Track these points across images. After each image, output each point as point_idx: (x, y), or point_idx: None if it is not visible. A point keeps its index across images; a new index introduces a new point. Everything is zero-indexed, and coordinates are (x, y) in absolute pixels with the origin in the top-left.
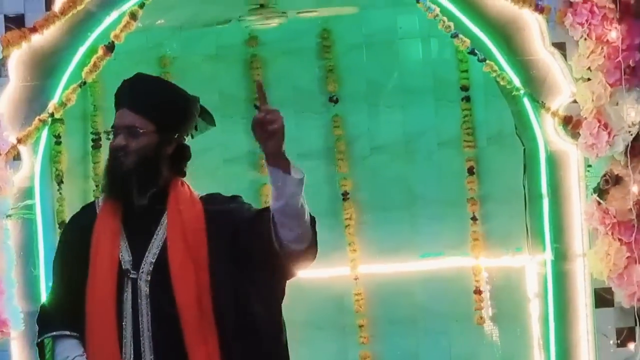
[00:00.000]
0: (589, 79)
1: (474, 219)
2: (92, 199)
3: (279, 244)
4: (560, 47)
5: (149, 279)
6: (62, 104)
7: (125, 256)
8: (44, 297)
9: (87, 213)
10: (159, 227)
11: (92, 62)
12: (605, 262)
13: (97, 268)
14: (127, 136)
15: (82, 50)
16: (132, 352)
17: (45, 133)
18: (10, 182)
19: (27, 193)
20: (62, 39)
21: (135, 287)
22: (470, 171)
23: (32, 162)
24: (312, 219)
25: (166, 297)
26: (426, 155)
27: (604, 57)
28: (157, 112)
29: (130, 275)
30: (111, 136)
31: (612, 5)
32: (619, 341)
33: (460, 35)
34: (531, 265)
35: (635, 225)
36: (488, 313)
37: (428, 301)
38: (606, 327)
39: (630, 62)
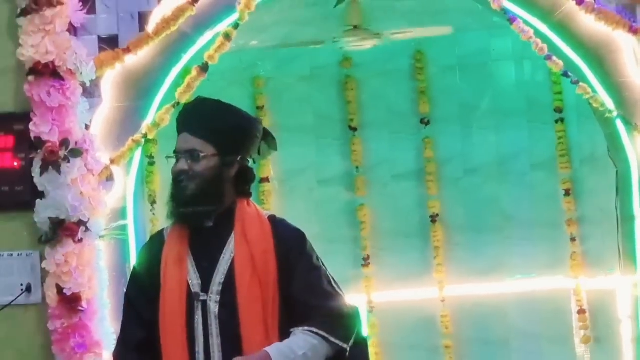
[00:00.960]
0: None
1: (573, 239)
2: None
3: None
4: None
5: (218, 299)
6: (156, 125)
7: (194, 279)
8: None
9: (155, 242)
10: (225, 248)
11: (185, 83)
12: None
13: (167, 294)
14: (188, 160)
15: (175, 70)
16: None
17: (138, 153)
18: (103, 203)
19: (120, 214)
20: (156, 60)
21: (205, 309)
22: (567, 193)
23: (125, 183)
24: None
25: (234, 317)
26: (519, 177)
27: None
28: (217, 135)
29: (200, 298)
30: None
31: None
32: None
33: (554, 57)
34: (623, 287)
35: None
36: (580, 334)
37: (521, 322)
38: None
39: None
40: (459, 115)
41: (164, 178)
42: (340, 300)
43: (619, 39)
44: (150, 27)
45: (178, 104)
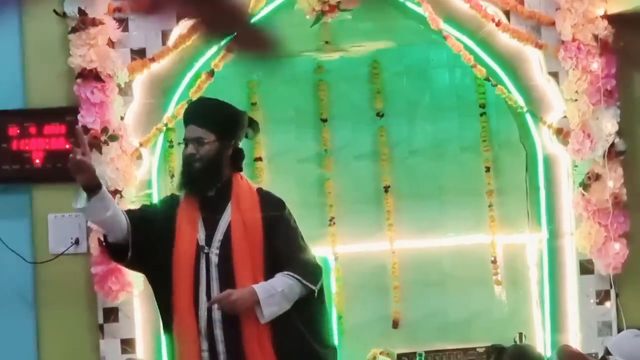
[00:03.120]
0: (576, 100)
1: (490, 206)
2: None
3: None
4: (555, 75)
5: (218, 252)
6: (174, 117)
7: (202, 236)
8: None
9: (172, 201)
10: (224, 213)
11: (197, 85)
12: (588, 240)
13: (180, 245)
14: (195, 146)
15: (189, 75)
16: (205, 309)
17: (161, 139)
18: (134, 176)
19: (147, 184)
20: (174, 67)
21: (207, 259)
22: (487, 169)
23: (150, 161)
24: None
25: (229, 267)
26: (452, 157)
27: (588, 83)
28: (216, 125)
29: (205, 251)
30: (182, 146)
31: (595, 43)
32: (598, 300)
33: (478, 66)
34: (531, 242)
35: (611, 212)
36: (499, 278)
37: (453, 269)
38: (588, 290)
39: (608, 87)
40: (406, 110)
41: (180, 157)
42: (311, 254)
43: (528, 51)
44: (171, 42)
45: (191, 100)
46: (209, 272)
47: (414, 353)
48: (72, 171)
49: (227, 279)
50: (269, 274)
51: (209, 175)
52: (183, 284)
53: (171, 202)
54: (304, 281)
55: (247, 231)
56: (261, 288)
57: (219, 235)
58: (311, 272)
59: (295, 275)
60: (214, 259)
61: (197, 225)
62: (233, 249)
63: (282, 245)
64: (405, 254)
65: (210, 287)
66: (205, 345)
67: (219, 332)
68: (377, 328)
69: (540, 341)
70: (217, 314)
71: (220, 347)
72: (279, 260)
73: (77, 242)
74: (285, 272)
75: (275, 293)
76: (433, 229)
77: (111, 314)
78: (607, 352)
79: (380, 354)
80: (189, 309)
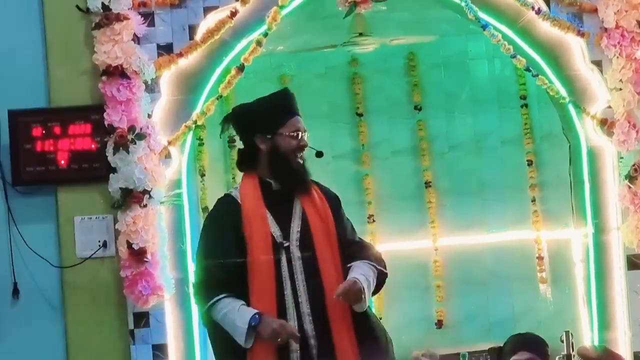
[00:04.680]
0: (620, 89)
1: (533, 200)
2: (227, 189)
3: None
4: (598, 64)
5: (298, 245)
6: (203, 113)
7: (276, 231)
8: (190, 267)
9: (227, 203)
10: (294, 205)
11: (226, 80)
12: (635, 234)
13: (255, 244)
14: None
15: (218, 70)
16: (293, 303)
17: (190, 137)
18: (162, 176)
19: (176, 184)
20: (203, 62)
21: (288, 253)
22: (530, 163)
23: (180, 160)
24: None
25: (313, 259)
26: (492, 151)
27: (633, 71)
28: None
29: (284, 245)
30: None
31: (639, 30)
32: None
33: (518, 56)
34: (576, 237)
35: None
36: (544, 275)
37: (495, 266)
38: (636, 286)
39: None
40: (444, 103)
41: (211, 156)
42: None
43: (570, 40)
44: (198, 36)
45: (221, 97)
46: (292, 266)
47: (457, 354)
48: (275, 335)
49: (312, 272)
50: (343, 265)
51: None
52: (264, 282)
53: (231, 208)
54: (379, 267)
55: (323, 223)
56: (361, 279)
57: (295, 227)
58: (381, 259)
59: (373, 263)
60: (296, 253)
61: (268, 221)
62: (314, 241)
63: (350, 236)
64: (447, 251)
65: (295, 281)
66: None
67: (309, 327)
68: (419, 328)
69: (588, 340)
70: (305, 308)
71: (312, 342)
72: (349, 250)
73: (104, 245)
74: (365, 260)
75: (370, 282)
76: (475, 225)
77: (142, 318)
78: None
79: (422, 355)
80: (271, 305)
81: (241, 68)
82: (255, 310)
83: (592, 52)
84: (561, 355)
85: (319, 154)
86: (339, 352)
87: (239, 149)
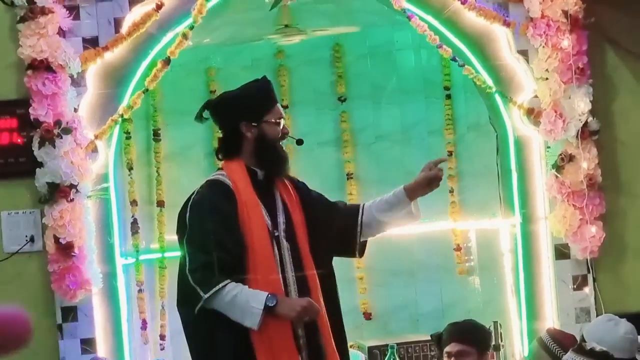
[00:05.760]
0: (547, 79)
1: (451, 191)
2: (155, 183)
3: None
4: (524, 53)
5: (285, 235)
6: (130, 107)
7: (267, 220)
8: (118, 261)
9: (221, 188)
10: (276, 195)
11: (152, 73)
12: (563, 224)
13: (255, 231)
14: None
15: (144, 64)
16: (282, 286)
17: (116, 130)
18: (89, 170)
19: (103, 178)
20: (128, 56)
21: (279, 243)
22: (450, 153)
23: (106, 154)
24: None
25: (295, 246)
26: (418, 141)
27: (559, 60)
28: None
29: (275, 234)
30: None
31: (564, 20)
32: (575, 286)
33: (444, 46)
34: (504, 227)
35: (586, 194)
36: (472, 266)
37: (422, 256)
38: (564, 275)
39: (580, 64)
40: (370, 94)
41: (138, 149)
42: None
43: (496, 30)
44: (124, 30)
45: (147, 90)
46: (282, 256)
47: (386, 345)
48: (302, 314)
49: (298, 264)
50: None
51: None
52: (267, 270)
53: (225, 192)
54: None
55: (300, 215)
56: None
57: (281, 218)
58: None
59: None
60: (285, 243)
61: (261, 209)
62: (297, 233)
63: (325, 199)
64: (373, 242)
65: (285, 272)
66: (302, 331)
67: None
68: (346, 320)
69: (517, 330)
70: (292, 287)
71: (301, 333)
72: (332, 207)
73: (32, 239)
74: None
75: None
76: None
77: (70, 313)
78: (584, 339)
79: (350, 347)
80: (278, 292)
81: (167, 61)
82: (266, 292)
83: (518, 42)
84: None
85: (299, 142)
86: (326, 347)
87: (220, 138)
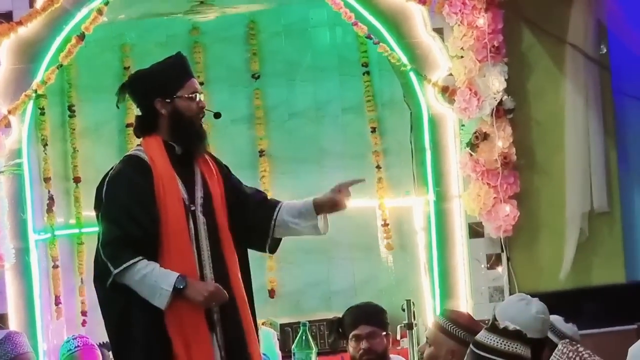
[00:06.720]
0: (462, 57)
1: (378, 167)
2: (70, 159)
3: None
4: (439, 31)
5: (202, 210)
6: (44, 82)
7: (184, 194)
8: (31, 237)
9: (137, 163)
10: (195, 169)
11: (67, 49)
12: (477, 202)
13: (170, 205)
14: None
15: (59, 39)
16: (198, 270)
17: (30, 106)
18: (2, 145)
19: (17, 153)
20: (43, 31)
21: (194, 217)
22: (373, 130)
23: (20, 129)
24: None
25: (213, 222)
26: (333, 119)
27: (474, 39)
28: None
29: (191, 209)
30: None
31: None
32: (488, 265)
33: (359, 24)
34: (418, 205)
35: (500, 172)
36: (389, 243)
37: (337, 235)
38: (478, 254)
39: (495, 43)
40: (284, 71)
41: (52, 125)
42: None
43: (411, 8)
44: (38, 5)
45: (61, 65)
46: (198, 230)
47: (298, 323)
48: (209, 299)
49: (215, 240)
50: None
51: None
52: (181, 246)
53: (141, 167)
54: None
55: (219, 189)
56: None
57: (199, 192)
58: None
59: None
60: (201, 217)
61: (178, 183)
62: (215, 207)
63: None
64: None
65: (200, 248)
66: (217, 307)
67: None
68: (255, 297)
69: (430, 308)
70: (209, 275)
71: (215, 313)
72: (247, 192)
73: None
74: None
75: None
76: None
77: None
78: (495, 319)
79: (262, 324)
80: (191, 270)
81: (82, 37)
82: (177, 273)
83: (433, 20)
84: (402, 324)
85: (217, 115)
86: (245, 326)
87: (137, 115)
